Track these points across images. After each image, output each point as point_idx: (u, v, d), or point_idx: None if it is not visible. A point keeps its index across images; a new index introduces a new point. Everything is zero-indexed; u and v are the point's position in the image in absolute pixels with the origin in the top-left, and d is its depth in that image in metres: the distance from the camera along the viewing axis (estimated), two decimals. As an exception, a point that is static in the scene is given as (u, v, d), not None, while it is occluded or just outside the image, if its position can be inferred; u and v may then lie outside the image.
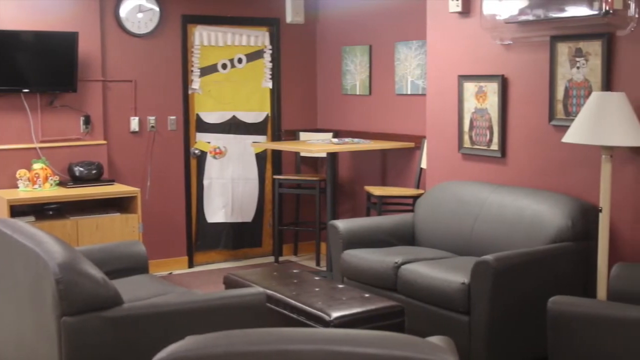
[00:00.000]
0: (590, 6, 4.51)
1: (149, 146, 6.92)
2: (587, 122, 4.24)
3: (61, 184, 6.17)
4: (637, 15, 4.43)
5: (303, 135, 7.54)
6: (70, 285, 3.32)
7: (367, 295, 4.36)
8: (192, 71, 7.12)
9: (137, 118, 6.82)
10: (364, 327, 3.99)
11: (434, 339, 2.85)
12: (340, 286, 4.61)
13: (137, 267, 4.72)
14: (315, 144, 6.70)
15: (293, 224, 7.65)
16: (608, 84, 4.62)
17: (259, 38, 7.45)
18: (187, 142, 7.15)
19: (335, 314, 4.02)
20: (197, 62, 7.14)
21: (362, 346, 2.05)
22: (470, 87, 5.50)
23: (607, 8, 4.43)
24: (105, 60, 6.63)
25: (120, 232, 5.96)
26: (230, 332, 2.16)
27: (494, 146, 5.36)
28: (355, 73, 7.27)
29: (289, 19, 7.38)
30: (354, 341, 2.09)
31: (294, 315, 4.21)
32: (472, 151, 5.53)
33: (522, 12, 4.97)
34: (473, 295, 4.33)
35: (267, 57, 7.49)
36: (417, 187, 6.48)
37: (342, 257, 5.23)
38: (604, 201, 4.27)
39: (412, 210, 5.86)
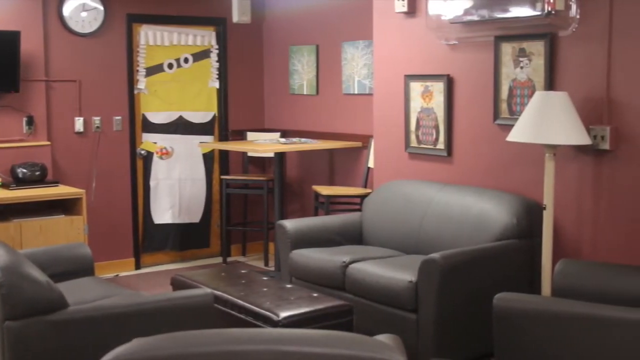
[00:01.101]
0: (533, 7, 4.58)
1: (94, 147, 6.83)
2: (531, 121, 4.30)
3: (4, 185, 6.06)
4: (578, 16, 4.51)
5: (250, 135, 7.52)
6: (12, 289, 3.26)
7: (315, 294, 4.36)
8: (137, 71, 7.05)
9: (81, 118, 6.73)
10: (312, 327, 3.99)
11: (382, 338, 2.86)
12: (289, 286, 4.61)
13: (82, 269, 4.66)
14: (262, 144, 6.68)
15: (241, 224, 7.62)
16: (551, 84, 4.69)
17: (206, 38, 7.40)
18: (133, 142, 7.08)
19: (284, 314, 4.01)
20: (143, 61, 7.07)
21: (309, 346, 2.05)
22: (416, 87, 5.54)
23: (550, 9, 4.49)
24: (49, 59, 6.53)
25: (65, 234, 5.87)
26: (177, 333, 2.14)
27: (440, 145, 5.41)
28: (302, 73, 7.27)
29: (235, 18, 7.35)
30: (302, 341, 2.09)
31: (242, 316, 4.20)
32: (418, 150, 5.58)
33: (467, 12, 5.02)
34: (420, 294, 4.36)
35: (214, 56, 7.45)
36: (365, 186, 6.51)
37: (290, 257, 5.23)
38: (548, 199, 4.34)
39: (359, 210, 5.88)
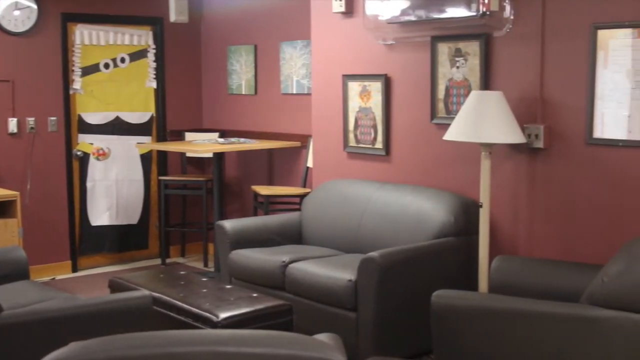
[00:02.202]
0: (469, 7, 4.64)
1: (28, 148, 6.70)
2: (467, 120, 4.35)
3: None
4: (512, 17, 4.59)
5: (189, 136, 7.47)
6: (-55, 294, 3.19)
7: (255, 295, 4.36)
8: (73, 71, 6.94)
9: (15, 119, 6.60)
10: (252, 327, 3.99)
11: (322, 337, 2.87)
12: (228, 287, 4.60)
13: (17, 273, 4.57)
14: (201, 144, 6.64)
15: (180, 225, 7.56)
16: (486, 83, 4.76)
17: (142, 37, 7.33)
18: (69, 143, 6.97)
19: (223, 315, 4.00)
20: (78, 61, 6.97)
21: (248, 346, 2.04)
22: (354, 87, 5.57)
23: (484, 9, 4.56)
24: (-19, 59, 6.40)
25: (-1, 237, 5.76)
26: (115, 336, 2.12)
27: (379, 144, 5.44)
28: (240, 73, 7.25)
29: (172, 18, 7.30)
30: (241, 341, 2.09)
31: (182, 318, 4.17)
32: (357, 150, 5.60)
33: (403, 12, 5.06)
34: (360, 292, 4.39)
35: (151, 56, 7.38)
36: (304, 185, 6.52)
37: (230, 257, 5.21)
38: (484, 197, 4.40)
39: (299, 209, 5.89)
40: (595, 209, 4.31)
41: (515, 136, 4.32)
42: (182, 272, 4.93)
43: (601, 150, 4.27)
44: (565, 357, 3.32)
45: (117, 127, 7.24)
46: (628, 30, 4.09)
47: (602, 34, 4.19)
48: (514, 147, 4.63)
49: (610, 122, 4.20)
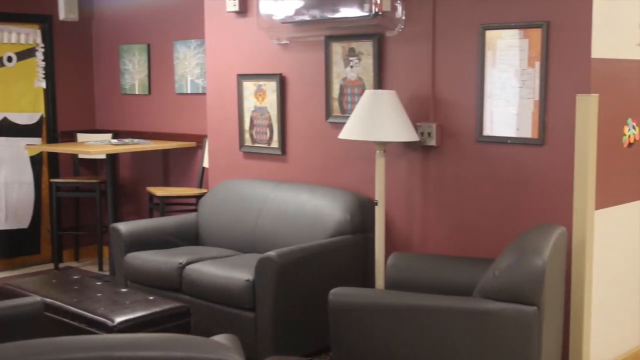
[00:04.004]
0: (361, 8, 4.69)
1: None
2: (361, 119, 4.40)
3: None
4: (404, 17, 4.66)
5: (81, 137, 7.30)
6: None
7: (151, 297, 4.30)
8: (-44, 70, 6.70)
9: None
10: (149, 330, 3.93)
11: (219, 338, 2.86)
12: (124, 290, 4.52)
13: None
14: (93, 145, 6.51)
15: (73, 228, 7.38)
16: (380, 82, 4.83)
17: (30, 36, 7.12)
18: (-46, 146, 6.72)
19: (119, 319, 3.93)
20: (-37, 60, 6.73)
21: (144, 350, 2.01)
22: (249, 86, 5.55)
23: (377, 10, 4.62)
24: None
25: None
26: (4, 345, 2.05)
27: (274, 144, 5.45)
28: (133, 72, 7.13)
29: (62, 16, 7.11)
30: (136, 345, 2.05)
31: (76, 323, 4.07)
32: (253, 149, 5.59)
33: (297, 12, 5.07)
34: (258, 292, 4.38)
35: (40, 55, 7.18)
36: (200, 186, 6.47)
37: (125, 260, 5.12)
38: (379, 194, 4.46)
39: (195, 210, 5.84)
40: (486, 204, 4.42)
41: (408, 134, 4.39)
42: (75, 277, 4.82)
43: (491, 148, 4.38)
44: (460, 349, 3.40)
45: (5, 129, 7.01)
46: (515, 31, 4.21)
47: (490, 34, 4.31)
48: (407, 145, 4.71)
49: (500, 120, 4.32)
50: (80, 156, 7.27)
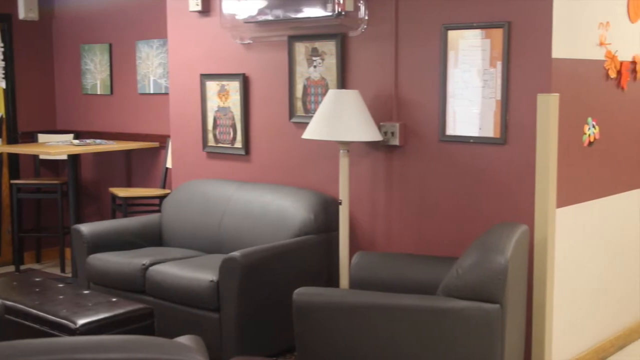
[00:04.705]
0: (324, 8, 4.69)
1: None
2: (325, 118, 4.40)
3: None
4: (367, 17, 4.67)
5: (42, 137, 7.22)
6: None
7: (114, 299, 4.26)
8: None
9: None
10: (112, 332, 3.90)
11: (183, 339, 2.85)
12: (86, 292, 4.48)
13: None
14: (54, 146, 6.44)
15: (34, 230, 7.29)
16: (343, 82, 4.84)
17: (-10, 35, 7.03)
18: None
19: (81, 321, 3.89)
20: None
21: (106, 352, 2.00)
22: (212, 86, 5.53)
23: (340, 10, 4.63)
24: None
25: None
26: (-37, 349, 2.02)
27: (238, 144, 5.43)
28: (95, 72, 7.07)
29: (21, 15, 7.03)
30: (99, 347, 2.04)
31: (37, 326, 4.02)
32: (216, 149, 5.57)
33: (260, 12, 5.07)
34: (222, 292, 4.37)
35: (-1, 55, 7.10)
36: (163, 187, 6.43)
37: (88, 262, 5.07)
38: (343, 194, 4.47)
39: (159, 211, 5.80)
40: (450, 203, 4.45)
41: (372, 134, 4.41)
42: (37, 279, 4.76)
43: (454, 147, 4.41)
44: (424, 348, 3.42)
45: (-36, 130, 6.92)
46: (477, 31, 4.25)
47: (452, 34, 4.34)
48: (371, 144, 4.72)
49: (462, 120, 4.35)
50: (41, 157, 7.19)
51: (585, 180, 4.39)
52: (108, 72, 6.97)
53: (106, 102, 7.04)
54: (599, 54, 4.37)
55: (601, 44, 4.36)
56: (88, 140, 6.64)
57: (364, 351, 3.52)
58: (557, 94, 4.04)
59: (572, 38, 4.15)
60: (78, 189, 6.65)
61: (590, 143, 4.36)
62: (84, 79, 7.18)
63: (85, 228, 5.19)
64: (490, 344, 3.35)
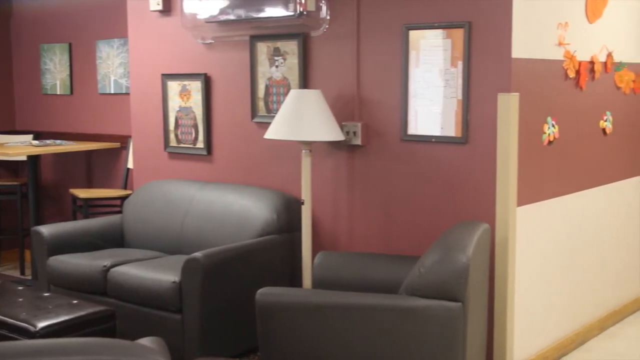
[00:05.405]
0: (286, 7, 4.69)
1: None
2: (287, 118, 4.40)
3: None
4: (328, 17, 4.68)
5: (0, 138, 7.12)
6: None
7: (75, 301, 4.22)
8: None
9: None
10: (73, 335, 3.87)
11: (144, 341, 2.83)
12: (47, 294, 4.43)
13: None
14: (13, 147, 6.36)
15: (-7, 232, 7.21)
16: (305, 82, 4.84)
17: (-54, 34, 6.93)
18: None
19: (41, 324, 3.85)
20: None
21: (67, 355, 1.97)
22: (174, 86, 5.50)
23: (302, 9, 4.63)
24: None
25: None
26: None
27: (200, 144, 5.41)
28: (55, 72, 7.00)
29: (-21, 14, 6.95)
30: (59, 350, 2.01)
31: (-4, 329, 3.98)
32: (178, 150, 5.54)
33: (222, 12, 5.05)
34: (184, 293, 4.35)
35: (-44, 55, 7.00)
36: (125, 187, 6.38)
37: (48, 264, 5.02)
38: (306, 194, 4.47)
39: (120, 212, 5.76)
40: (412, 202, 4.47)
41: (334, 134, 4.41)
42: (-5, 282, 4.71)
43: (416, 146, 4.43)
44: (387, 346, 3.43)
45: None
46: (438, 31, 4.27)
47: (413, 34, 4.36)
48: (333, 144, 4.73)
49: (424, 119, 4.37)
50: (0, 158, 7.10)
51: (545, 178, 4.44)
52: (68, 72, 6.90)
53: (66, 102, 6.97)
54: (558, 54, 4.42)
55: (560, 44, 4.41)
56: (48, 141, 6.57)
57: (327, 350, 3.52)
58: (517, 94, 4.08)
59: (532, 38, 4.19)
60: (38, 190, 6.58)
61: (549, 142, 4.40)
62: (43, 79, 7.11)
63: (45, 230, 5.13)
64: (453, 342, 3.37)
